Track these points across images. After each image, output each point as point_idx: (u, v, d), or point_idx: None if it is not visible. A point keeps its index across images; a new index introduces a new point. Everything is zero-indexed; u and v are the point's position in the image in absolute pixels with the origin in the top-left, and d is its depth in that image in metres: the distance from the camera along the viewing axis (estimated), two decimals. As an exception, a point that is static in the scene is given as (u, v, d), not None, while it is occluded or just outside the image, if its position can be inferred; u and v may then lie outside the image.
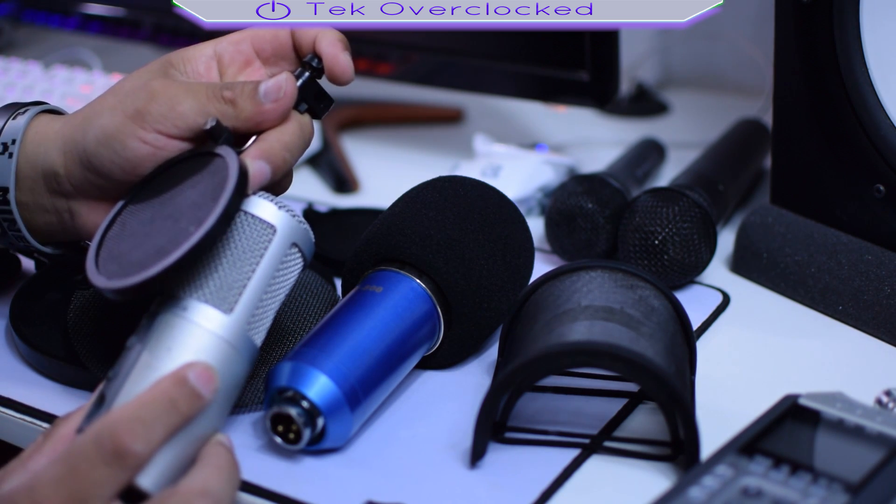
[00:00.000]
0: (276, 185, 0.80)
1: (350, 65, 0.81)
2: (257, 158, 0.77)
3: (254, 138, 0.79)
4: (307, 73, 0.81)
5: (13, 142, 0.81)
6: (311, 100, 0.81)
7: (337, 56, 0.81)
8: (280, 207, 0.77)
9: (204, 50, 0.82)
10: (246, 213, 0.76)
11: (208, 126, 0.77)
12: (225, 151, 0.77)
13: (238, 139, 0.79)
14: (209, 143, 0.78)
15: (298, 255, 0.78)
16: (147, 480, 0.67)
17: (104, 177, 0.79)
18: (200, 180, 0.76)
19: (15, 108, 0.83)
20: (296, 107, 0.80)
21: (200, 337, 0.72)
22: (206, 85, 0.78)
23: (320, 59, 0.81)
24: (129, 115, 0.77)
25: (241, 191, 0.75)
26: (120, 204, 0.79)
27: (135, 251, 0.75)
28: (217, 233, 0.73)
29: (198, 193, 0.76)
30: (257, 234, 0.76)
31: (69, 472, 0.66)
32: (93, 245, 0.77)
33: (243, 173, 0.75)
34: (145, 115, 0.77)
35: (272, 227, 0.76)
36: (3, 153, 0.81)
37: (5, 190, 0.81)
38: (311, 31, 0.82)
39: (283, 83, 0.79)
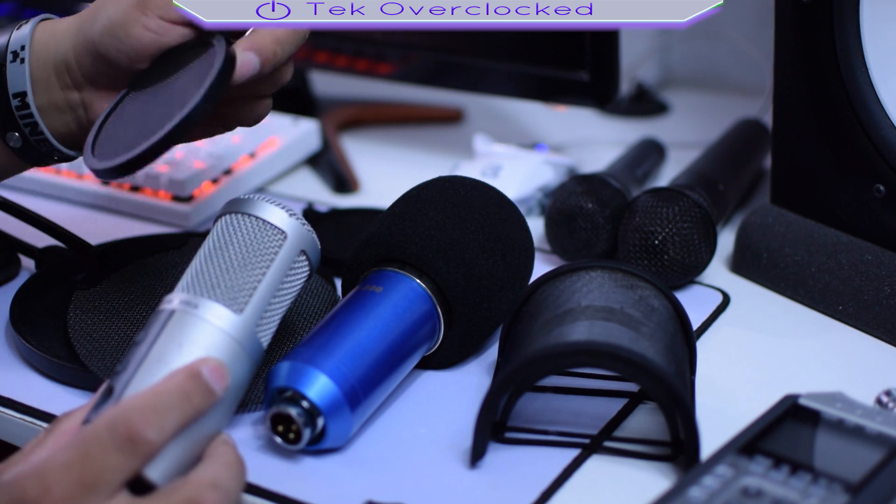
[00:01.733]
0: (271, 78, 0.83)
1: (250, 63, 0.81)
2: (247, 50, 0.80)
3: (250, 31, 0.81)
4: None
5: (22, 48, 0.83)
6: None
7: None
8: (291, 215, 0.78)
9: None
10: (258, 217, 0.78)
11: (214, 44, 0.79)
12: (217, 41, 0.80)
13: (235, 35, 0.81)
14: (205, 34, 0.81)
15: (306, 262, 0.79)
16: (155, 472, 0.68)
17: (112, 65, 0.82)
18: (192, 67, 0.80)
19: (16, 23, 0.85)
20: None
21: (211, 334, 0.73)
22: None
23: None
24: (132, 3, 0.80)
25: (226, 76, 0.78)
26: (122, 93, 0.82)
27: (127, 134, 0.78)
28: (199, 111, 0.76)
29: (188, 79, 0.79)
30: (268, 238, 0.77)
31: (81, 456, 0.66)
32: (92, 131, 0.81)
33: (229, 60, 0.78)
34: (148, 2, 0.79)
35: (283, 232, 0.78)
36: (14, 61, 0.83)
37: (23, 94, 0.83)
38: None
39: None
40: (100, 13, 0.82)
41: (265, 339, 0.76)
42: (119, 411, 0.67)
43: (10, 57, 0.82)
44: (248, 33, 0.81)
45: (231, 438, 0.73)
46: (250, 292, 0.75)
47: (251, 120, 0.87)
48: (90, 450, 0.66)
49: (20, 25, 0.84)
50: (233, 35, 0.81)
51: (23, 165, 0.87)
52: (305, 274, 0.80)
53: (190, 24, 0.80)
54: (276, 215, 0.78)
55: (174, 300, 0.74)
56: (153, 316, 0.74)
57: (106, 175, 0.77)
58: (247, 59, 0.80)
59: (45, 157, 0.86)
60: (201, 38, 0.81)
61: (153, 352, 0.72)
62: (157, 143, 0.75)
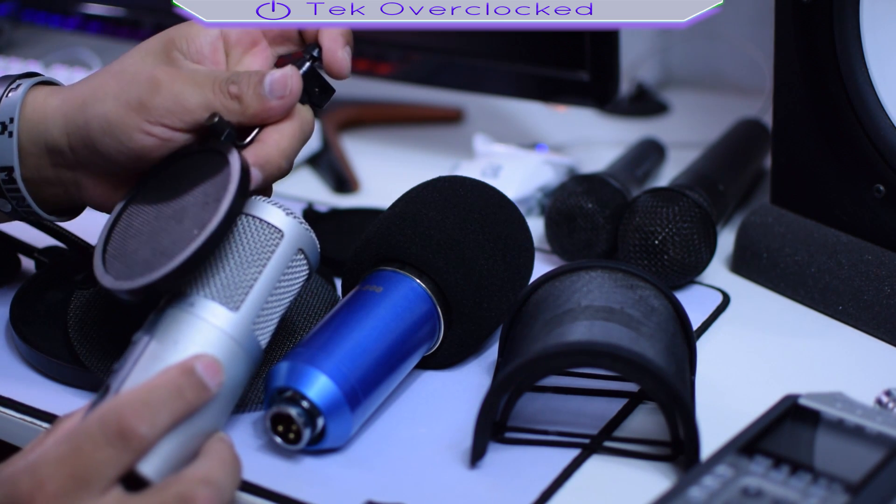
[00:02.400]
0: (267, 186, 0.81)
1: (347, 61, 0.82)
2: (253, 165, 0.78)
3: (256, 130, 0.80)
4: (308, 63, 0.82)
5: (11, 120, 0.80)
6: (313, 90, 0.82)
7: (335, 52, 0.81)
8: (288, 214, 0.79)
9: (209, 30, 0.82)
10: (255, 217, 0.78)
11: (211, 122, 0.77)
12: (228, 150, 0.77)
13: (241, 130, 0.79)
14: (212, 139, 0.78)
15: (304, 261, 0.79)
16: (148, 468, 0.68)
17: (110, 161, 0.79)
18: (203, 179, 0.77)
19: (7, 83, 0.82)
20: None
21: (207, 332, 0.73)
22: (211, 77, 0.78)
23: (321, 50, 0.82)
24: (132, 106, 0.77)
25: (244, 193, 0.76)
26: (124, 201, 0.80)
27: (140, 251, 0.75)
28: (220, 235, 0.74)
29: (201, 193, 0.76)
30: (265, 237, 0.77)
31: (72, 451, 0.66)
32: (99, 243, 0.78)
33: (245, 175, 0.76)
34: (150, 109, 0.77)
35: (280, 231, 0.78)
36: (2, 133, 0.81)
37: (10, 169, 0.81)
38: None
39: (288, 79, 0.79)
40: (92, 107, 0.78)
41: (263, 338, 0.77)
42: (110, 406, 0.68)
43: None
44: (253, 133, 0.79)
45: (227, 436, 0.73)
46: (246, 290, 0.75)
47: None
48: (82, 444, 0.66)
49: (9, 91, 0.81)
50: (239, 137, 0.79)
51: (10, 219, 0.86)
52: (304, 273, 0.80)
53: (196, 130, 0.78)
54: (274, 214, 0.78)
55: (172, 299, 0.75)
56: (151, 315, 0.75)
57: (124, 296, 0.74)
58: (252, 176, 0.78)
59: (33, 222, 0.86)
60: (207, 143, 0.79)
61: (149, 350, 0.72)
62: (181, 266, 0.73)
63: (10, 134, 0.80)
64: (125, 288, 0.74)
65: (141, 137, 0.77)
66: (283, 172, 0.80)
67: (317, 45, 0.82)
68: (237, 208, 0.75)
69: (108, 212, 0.82)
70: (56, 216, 0.85)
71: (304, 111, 0.81)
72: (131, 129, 0.77)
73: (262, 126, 0.80)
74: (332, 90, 0.83)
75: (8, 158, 0.81)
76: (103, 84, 0.79)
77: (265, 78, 0.78)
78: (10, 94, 0.81)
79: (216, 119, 0.77)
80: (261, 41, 0.84)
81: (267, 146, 0.79)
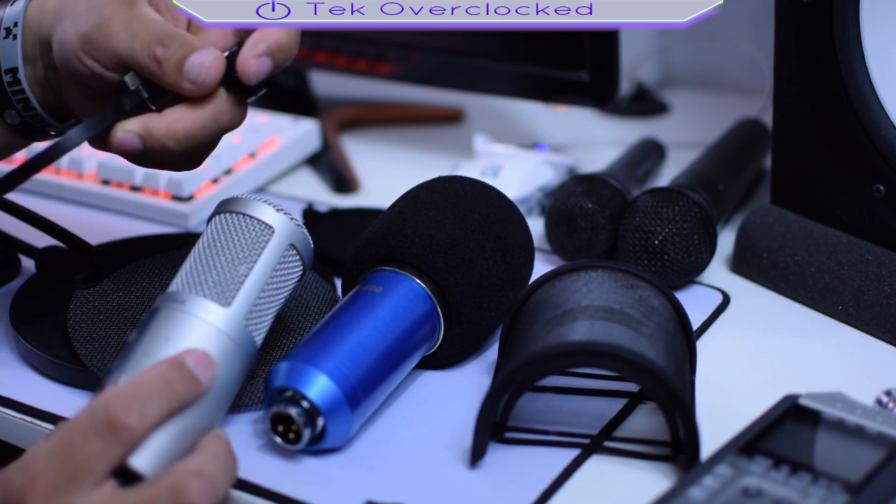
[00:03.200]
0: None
1: (255, 68, 0.78)
2: (133, 132, 0.78)
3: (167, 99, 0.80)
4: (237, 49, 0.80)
5: (15, 24, 0.82)
6: (235, 81, 0.79)
7: (248, 54, 0.79)
8: (278, 210, 0.79)
9: None
10: (245, 214, 0.79)
11: (129, 86, 0.78)
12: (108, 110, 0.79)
13: (159, 93, 0.79)
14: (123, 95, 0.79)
15: (296, 256, 0.79)
16: (141, 462, 0.68)
17: (62, 75, 0.80)
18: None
19: None
20: (222, 83, 0.79)
21: (198, 328, 0.73)
22: (149, 29, 0.78)
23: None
24: (79, 33, 0.78)
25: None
26: None
27: None
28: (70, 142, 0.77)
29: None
30: (256, 233, 0.78)
31: (62, 445, 0.66)
32: None
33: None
34: (89, 40, 0.78)
35: (270, 227, 0.78)
36: (6, 37, 0.82)
37: (15, 70, 0.82)
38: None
39: (209, 67, 0.77)
40: (59, 22, 0.80)
41: (257, 335, 0.77)
42: (99, 400, 0.68)
43: (2, 34, 0.82)
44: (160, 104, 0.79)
45: (223, 433, 0.73)
46: (237, 286, 0.76)
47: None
48: (72, 438, 0.66)
49: (13, 1, 0.83)
50: (154, 98, 0.79)
51: (23, 142, 0.87)
52: (296, 268, 0.80)
53: (125, 71, 0.78)
54: (264, 211, 0.79)
55: (163, 298, 0.75)
56: (144, 315, 0.75)
57: None
58: (126, 139, 0.78)
59: (41, 132, 0.85)
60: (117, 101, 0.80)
61: (141, 347, 0.73)
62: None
63: (15, 37, 0.82)
64: None
65: (77, 64, 0.78)
66: (169, 153, 0.79)
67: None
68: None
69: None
70: (58, 120, 0.85)
71: (224, 101, 0.79)
72: (72, 54, 0.78)
73: (178, 99, 0.79)
74: (271, 82, 0.81)
75: (13, 60, 0.82)
76: (75, 3, 0.80)
77: (191, 55, 0.77)
78: (15, 3, 0.83)
79: (128, 77, 0.78)
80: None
81: (159, 121, 0.78)
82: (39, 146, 0.83)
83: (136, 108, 0.79)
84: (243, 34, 0.80)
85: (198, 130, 0.78)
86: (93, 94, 0.81)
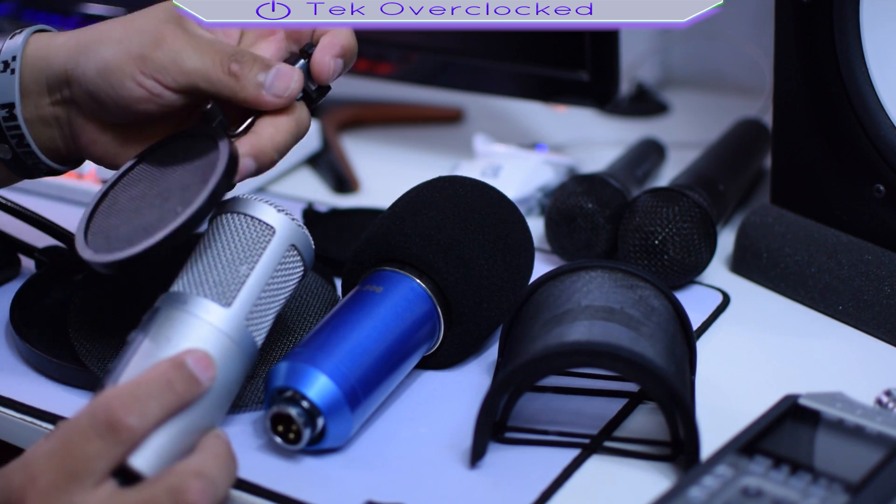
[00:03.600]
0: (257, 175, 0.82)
1: (331, 68, 0.81)
2: (247, 155, 0.78)
3: (250, 120, 0.80)
4: (303, 61, 0.82)
5: (13, 58, 0.81)
6: (310, 87, 0.82)
7: (324, 56, 0.81)
8: (279, 211, 0.79)
9: None
10: (246, 215, 0.79)
11: (205, 108, 0.78)
12: (219, 136, 0.78)
13: (235, 112, 0.79)
14: (204, 124, 0.79)
15: (297, 257, 0.79)
16: (141, 462, 0.68)
17: (101, 106, 0.80)
18: (192, 163, 0.78)
19: (13, 30, 0.83)
20: None
21: (199, 328, 0.73)
22: (216, 48, 0.78)
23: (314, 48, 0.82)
24: (132, 55, 0.78)
25: (230, 178, 0.77)
26: (111, 179, 0.81)
27: (123, 226, 0.76)
28: (202, 214, 0.75)
29: (188, 175, 0.77)
30: (257, 234, 0.78)
31: (62, 445, 0.66)
32: (82, 218, 0.79)
33: (233, 161, 0.77)
34: (147, 61, 0.77)
35: (271, 228, 0.78)
36: (4, 71, 0.81)
37: (11, 106, 0.81)
38: (329, 27, 0.82)
39: (291, 80, 0.79)
40: (96, 49, 0.79)
41: (258, 335, 0.77)
42: (100, 400, 0.68)
43: (0, 66, 0.81)
44: (247, 122, 0.79)
45: (224, 433, 0.73)
46: (238, 286, 0.76)
47: None
48: (72, 438, 0.66)
49: (13, 35, 0.82)
50: (232, 123, 0.79)
51: (14, 178, 0.86)
52: (297, 268, 0.80)
53: (187, 93, 0.78)
54: (265, 211, 0.79)
55: (165, 298, 0.75)
56: (145, 315, 0.75)
57: (101, 269, 0.75)
58: (245, 165, 0.78)
59: (33, 170, 0.84)
60: (200, 128, 0.80)
61: (141, 347, 0.73)
62: (158, 243, 0.74)
63: (13, 71, 0.81)
64: (103, 261, 0.75)
65: (132, 87, 0.78)
66: (275, 163, 0.81)
67: (313, 44, 0.82)
68: (221, 191, 0.76)
69: (100, 164, 0.83)
70: (55, 162, 0.84)
71: (301, 108, 0.81)
72: (125, 76, 0.78)
73: (256, 116, 0.80)
74: (328, 88, 0.84)
75: (10, 95, 0.81)
76: (110, 30, 0.80)
77: (270, 69, 0.78)
78: (14, 37, 0.82)
79: (210, 106, 0.78)
80: (277, 31, 0.83)
81: (262, 138, 0.79)
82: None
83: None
84: (297, 40, 0.83)
85: (292, 140, 0.81)
86: (110, 132, 0.81)
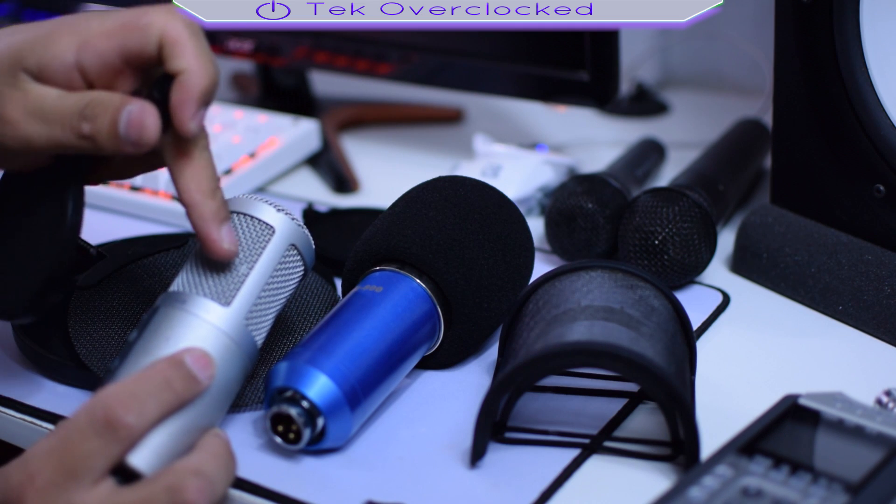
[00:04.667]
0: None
1: (195, 126, 0.73)
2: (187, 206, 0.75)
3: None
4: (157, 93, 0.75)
5: None
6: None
7: (184, 120, 0.73)
8: (279, 210, 0.79)
9: (64, 57, 0.73)
10: (246, 214, 0.79)
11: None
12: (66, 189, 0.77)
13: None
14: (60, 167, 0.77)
15: (297, 256, 0.80)
16: (140, 460, 0.68)
17: None
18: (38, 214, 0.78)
19: None
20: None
21: (198, 327, 0.74)
22: (59, 112, 0.72)
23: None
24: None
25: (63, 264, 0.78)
26: None
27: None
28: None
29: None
30: (257, 233, 0.78)
31: (61, 443, 0.66)
32: None
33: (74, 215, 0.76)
34: (1, 144, 0.73)
35: (271, 227, 0.79)
36: None
37: None
38: (182, 52, 0.73)
39: (145, 121, 0.72)
40: None
41: (258, 334, 0.77)
42: (98, 398, 0.68)
43: None
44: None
45: (223, 432, 0.73)
46: (238, 286, 0.76)
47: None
48: (70, 436, 0.66)
49: None
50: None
51: None
52: (297, 268, 0.80)
53: (51, 151, 0.74)
54: (265, 211, 0.79)
55: (164, 298, 0.75)
56: (144, 315, 0.75)
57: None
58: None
59: None
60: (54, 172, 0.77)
61: (141, 346, 0.73)
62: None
63: None
64: None
65: (1, 164, 0.77)
66: (217, 196, 0.75)
67: (166, 78, 0.74)
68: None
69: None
70: None
71: (167, 140, 0.74)
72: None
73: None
74: None
75: None
76: None
77: (119, 119, 0.72)
78: None
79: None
80: (125, 70, 0.74)
81: (188, 193, 0.74)
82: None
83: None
84: (134, 62, 0.74)
85: (210, 169, 0.76)
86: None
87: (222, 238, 0.74)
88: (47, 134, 0.73)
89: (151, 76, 0.75)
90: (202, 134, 0.75)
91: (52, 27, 0.74)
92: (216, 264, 0.76)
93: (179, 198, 0.75)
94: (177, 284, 0.76)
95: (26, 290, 0.78)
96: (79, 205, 0.77)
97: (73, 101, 0.73)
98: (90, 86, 0.74)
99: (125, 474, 0.68)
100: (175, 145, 0.74)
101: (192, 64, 0.72)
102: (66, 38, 0.74)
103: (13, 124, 0.73)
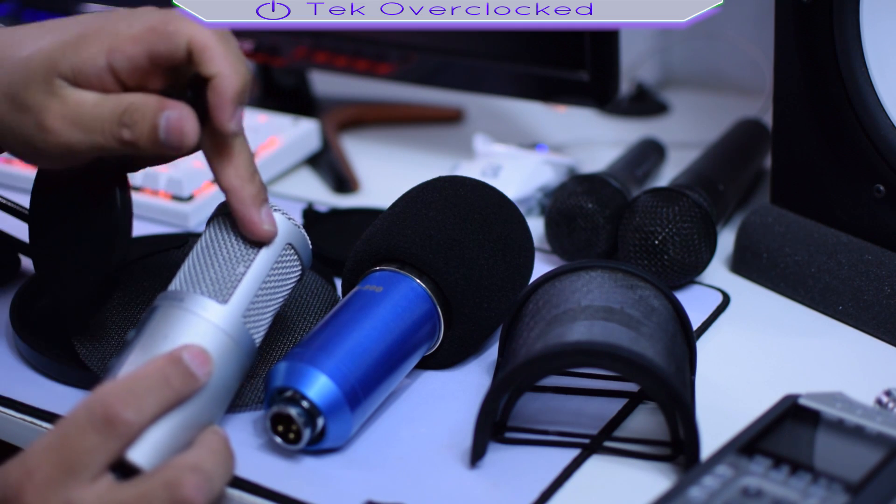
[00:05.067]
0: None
1: (235, 125, 0.75)
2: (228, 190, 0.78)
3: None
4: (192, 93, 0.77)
5: None
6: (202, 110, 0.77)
7: (224, 120, 0.75)
8: (276, 210, 0.79)
9: (97, 60, 0.75)
10: None
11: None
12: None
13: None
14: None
15: (294, 255, 0.80)
16: (139, 456, 0.68)
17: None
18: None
19: None
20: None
21: (196, 324, 0.74)
22: (100, 119, 0.74)
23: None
24: (27, 145, 0.76)
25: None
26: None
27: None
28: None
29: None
30: None
31: (59, 439, 0.66)
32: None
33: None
34: (42, 153, 0.76)
35: None
36: None
37: None
38: (212, 57, 0.74)
39: (184, 127, 0.74)
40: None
41: (256, 333, 0.77)
42: (96, 394, 0.68)
43: None
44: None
45: (222, 429, 0.73)
46: (235, 284, 0.76)
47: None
48: (69, 432, 0.67)
49: None
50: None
51: None
52: (295, 267, 0.80)
53: (94, 156, 0.76)
54: None
55: (162, 297, 0.76)
56: (144, 313, 0.76)
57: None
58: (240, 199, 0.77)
59: None
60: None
61: (139, 344, 0.73)
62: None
63: None
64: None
65: (42, 165, 0.79)
66: (256, 180, 0.78)
67: (199, 78, 0.75)
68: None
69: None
70: None
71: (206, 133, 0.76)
72: (29, 160, 0.79)
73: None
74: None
75: None
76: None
77: (159, 122, 0.73)
78: None
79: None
80: (156, 71, 0.76)
81: (227, 179, 0.77)
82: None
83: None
84: (164, 65, 0.76)
85: (249, 157, 0.78)
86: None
87: (262, 220, 0.77)
88: (89, 141, 0.75)
89: (183, 74, 0.76)
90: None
91: (80, 30, 0.76)
92: (213, 263, 0.76)
93: (218, 183, 0.77)
94: (175, 283, 0.77)
95: (86, 287, 0.82)
96: (126, 200, 0.80)
97: (110, 107, 0.75)
98: (123, 86, 0.76)
99: (124, 470, 0.68)
100: (211, 138, 0.76)
101: (224, 68, 0.74)
102: (96, 43, 0.75)
103: (55, 133, 0.75)
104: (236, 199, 0.77)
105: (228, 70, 0.74)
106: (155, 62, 0.75)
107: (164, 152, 0.75)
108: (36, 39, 0.77)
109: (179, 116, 0.74)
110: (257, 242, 0.78)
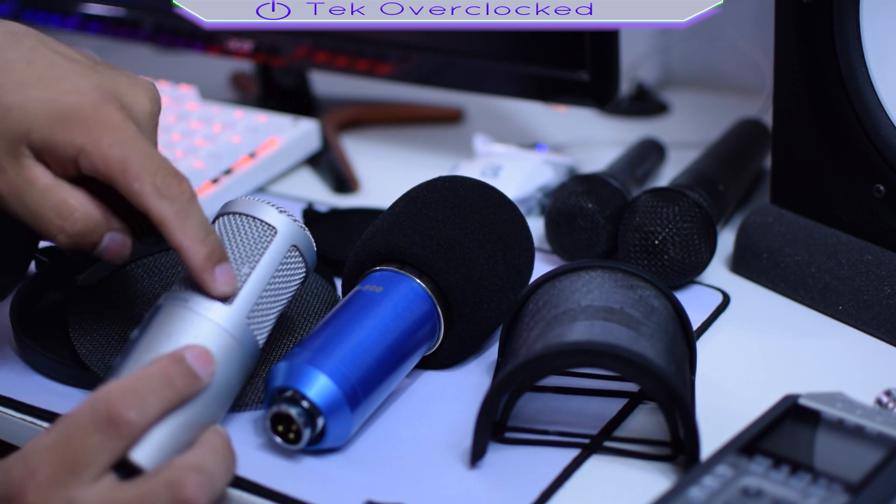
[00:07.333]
0: None
1: (214, 286, 0.75)
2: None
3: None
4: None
5: None
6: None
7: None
8: (281, 212, 0.80)
9: (68, 150, 0.74)
10: (248, 216, 0.79)
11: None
12: None
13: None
14: None
15: (299, 257, 0.80)
16: (141, 456, 0.68)
17: None
18: None
19: None
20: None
21: (200, 324, 0.74)
22: (44, 206, 0.75)
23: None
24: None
25: None
26: None
27: None
28: None
29: None
30: (259, 234, 0.79)
31: (62, 438, 0.66)
32: None
33: None
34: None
35: (273, 228, 0.79)
36: None
37: None
38: (170, 232, 0.75)
39: (123, 250, 0.78)
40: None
41: (260, 334, 0.77)
42: (100, 394, 0.68)
43: None
44: None
45: (223, 429, 0.73)
46: (240, 285, 0.76)
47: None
48: (72, 432, 0.67)
49: None
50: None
51: None
52: (299, 268, 0.81)
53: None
54: (267, 212, 0.79)
55: (167, 296, 0.76)
56: (147, 313, 0.76)
57: None
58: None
59: None
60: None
61: (143, 343, 0.74)
62: None
63: None
64: None
65: None
66: (209, 241, 0.76)
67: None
68: None
69: None
70: None
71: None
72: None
73: None
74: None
75: None
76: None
77: (103, 240, 0.77)
78: None
79: None
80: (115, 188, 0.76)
81: (177, 240, 0.75)
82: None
83: None
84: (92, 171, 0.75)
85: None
86: None
87: (215, 280, 0.75)
88: (23, 213, 0.76)
89: None
90: (184, 194, 0.75)
91: (69, 107, 0.75)
92: None
93: (169, 243, 0.76)
94: (180, 283, 0.76)
95: (18, 269, 0.84)
96: None
97: (57, 202, 0.75)
98: (81, 176, 0.76)
99: (127, 469, 0.68)
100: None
101: (184, 241, 0.74)
102: (76, 133, 0.74)
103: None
104: (187, 259, 0.75)
105: (188, 245, 0.74)
106: (117, 188, 0.75)
107: (101, 257, 0.78)
108: (22, 87, 0.76)
109: (122, 241, 0.78)
110: (261, 245, 0.78)
